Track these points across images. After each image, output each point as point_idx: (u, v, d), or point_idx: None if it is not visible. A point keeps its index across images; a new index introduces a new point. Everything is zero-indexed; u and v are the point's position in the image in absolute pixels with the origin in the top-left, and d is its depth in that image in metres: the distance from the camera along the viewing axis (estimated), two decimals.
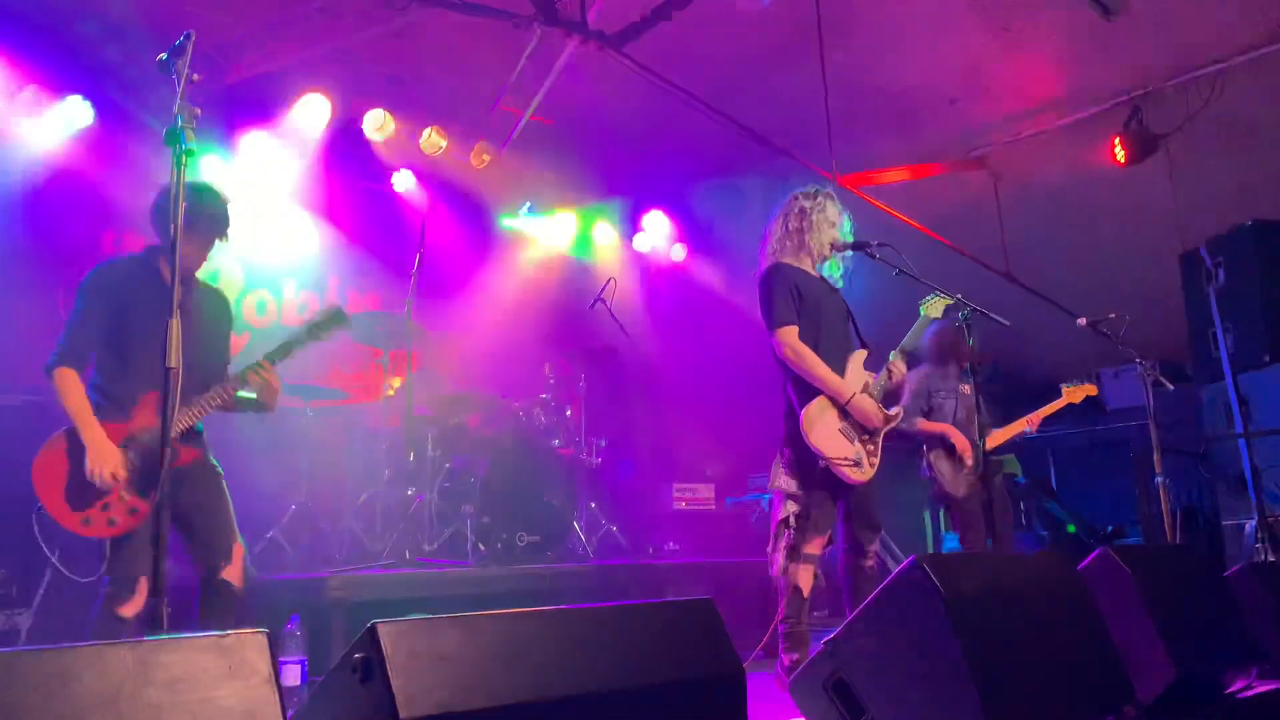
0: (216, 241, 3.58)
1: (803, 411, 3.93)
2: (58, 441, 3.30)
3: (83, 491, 3.23)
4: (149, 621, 3.21)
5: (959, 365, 5.49)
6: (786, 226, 4.21)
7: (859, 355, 4.12)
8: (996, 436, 5.38)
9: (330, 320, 3.66)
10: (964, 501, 5.26)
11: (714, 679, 2.13)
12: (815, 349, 3.98)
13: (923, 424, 5.35)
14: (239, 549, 3.50)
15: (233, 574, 3.45)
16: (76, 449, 3.26)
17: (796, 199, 4.24)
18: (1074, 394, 5.64)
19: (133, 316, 3.41)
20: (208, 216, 3.50)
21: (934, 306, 4.30)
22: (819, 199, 4.21)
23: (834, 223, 4.19)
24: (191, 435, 3.48)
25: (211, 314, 3.73)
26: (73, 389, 3.34)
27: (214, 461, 3.60)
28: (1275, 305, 6.18)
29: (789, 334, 3.98)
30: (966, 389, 5.44)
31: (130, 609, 3.22)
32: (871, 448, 3.99)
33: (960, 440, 5.25)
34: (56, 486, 3.24)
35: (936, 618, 2.40)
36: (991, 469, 5.27)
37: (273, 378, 3.50)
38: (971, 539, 5.26)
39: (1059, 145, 7.60)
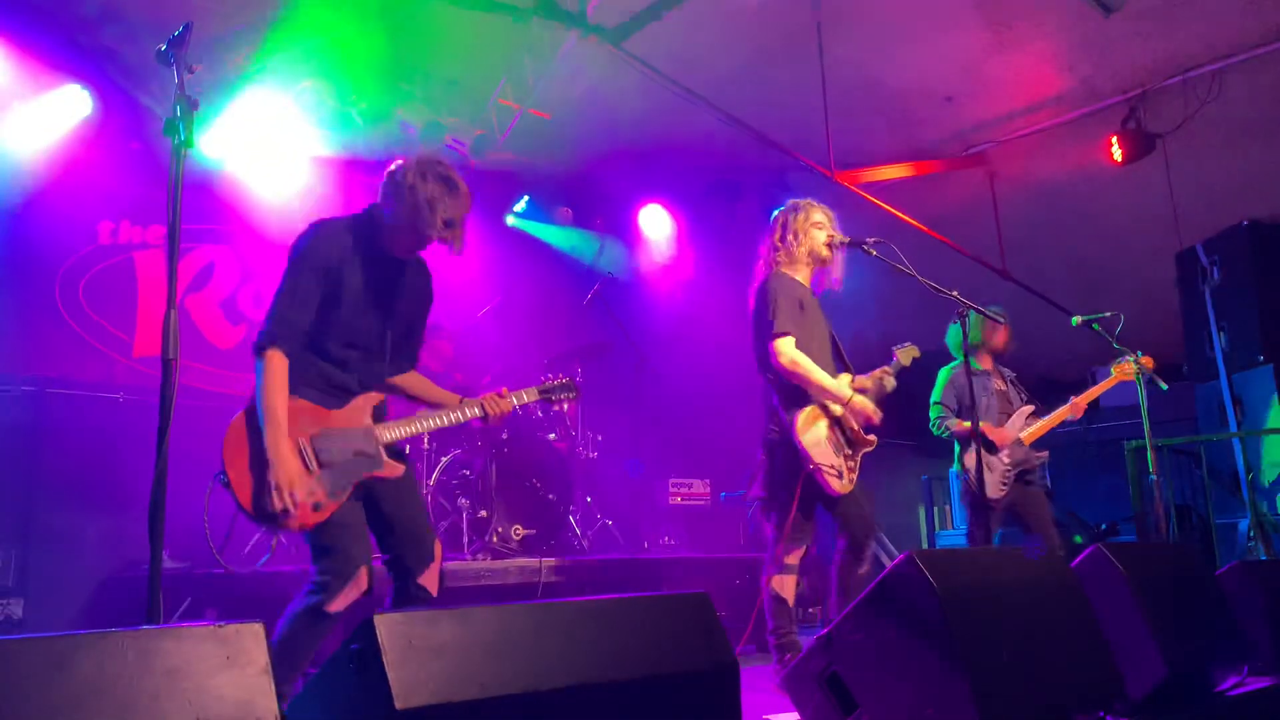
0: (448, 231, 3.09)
1: (796, 417, 3.93)
2: (240, 423, 2.88)
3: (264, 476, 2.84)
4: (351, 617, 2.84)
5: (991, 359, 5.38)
6: (774, 244, 4.21)
7: (845, 379, 4.12)
8: (1035, 430, 5.17)
9: (563, 389, 3.50)
10: (999, 505, 5.03)
11: (707, 672, 2.14)
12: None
13: (958, 425, 5.16)
14: (439, 552, 3.16)
15: (430, 580, 3.09)
16: (258, 435, 2.84)
17: (777, 216, 4.26)
18: (1125, 371, 5.23)
19: (341, 296, 3.00)
20: (444, 216, 3.05)
21: (905, 354, 4.32)
22: (799, 207, 4.22)
23: (820, 224, 4.19)
24: (395, 448, 3.11)
25: (419, 291, 3.28)
26: (277, 379, 2.87)
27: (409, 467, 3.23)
28: (1270, 305, 6.21)
29: (788, 343, 3.94)
30: (1000, 384, 5.39)
31: (341, 603, 2.86)
32: (851, 464, 3.99)
33: (1000, 435, 5.07)
34: (241, 462, 2.82)
35: (929, 613, 2.42)
36: (1034, 469, 5.16)
37: (508, 405, 3.24)
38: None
39: (1056, 143, 7.61)
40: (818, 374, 3.94)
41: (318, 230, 3.05)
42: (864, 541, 3.97)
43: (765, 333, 4.01)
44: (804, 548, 3.99)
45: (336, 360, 3.04)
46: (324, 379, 3.01)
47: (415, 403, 3.34)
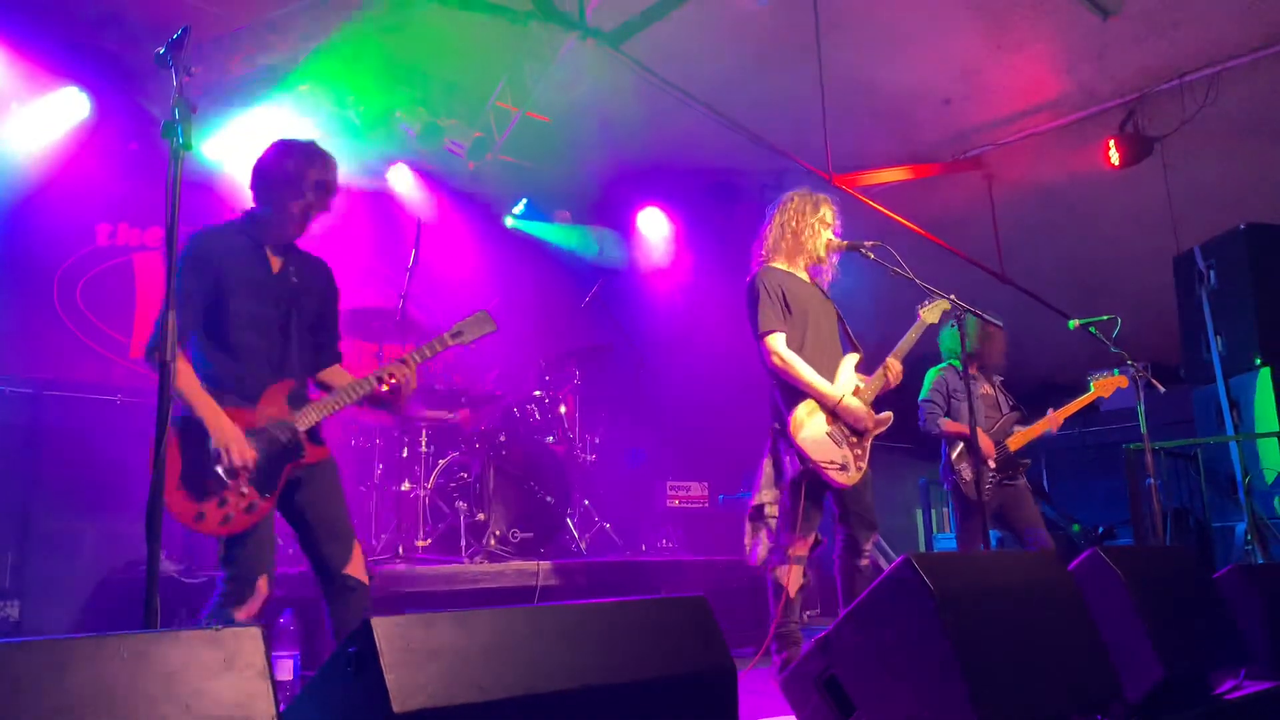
0: (320, 209, 3.22)
1: (790, 414, 3.93)
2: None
3: (197, 485, 2.90)
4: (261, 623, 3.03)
5: (981, 364, 5.40)
6: (782, 228, 4.19)
7: (850, 359, 4.12)
8: (1019, 437, 5.22)
9: (477, 325, 3.42)
10: (983, 505, 5.12)
11: (705, 675, 2.14)
12: (802, 353, 4.00)
13: (946, 424, 5.21)
14: (358, 545, 3.22)
15: (357, 569, 3.16)
16: (189, 438, 2.92)
17: (793, 199, 4.22)
18: (1104, 387, 5.37)
19: (231, 293, 3.09)
20: (315, 180, 3.17)
21: (931, 311, 4.32)
22: (815, 200, 4.19)
23: (829, 224, 4.18)
24: (316, 432, 3.18)
25: (319, 286, 3.39)
26: (181, 370, 2.94)
27: (331, 455, 3.29)
28: (1267, 308, 6.20)
29: (776, 341, 3.99)
30: (988, 389, 5.40)
31: (246, 611, 2.96)
32: (859, 452, 3.99)
33: (986, 442, 5.08)
34: (170, 478, 2.88)
35: (927, 616, 2.42)
36: (1017, 472, 5.20)
37: (413, 378, 3.25)
38: (972, 543, 5.12)
39: (1054, 147, 7.62)
40: (808, 374, 3.95)
41: (196, 235, 3.14)
42: (860, 536, 3.99)
43: (754, 332, 4.05)
44: (810, 539, 3.98)
45: (247, 356, 3.10)
46: (237, 381, 3.07)
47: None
